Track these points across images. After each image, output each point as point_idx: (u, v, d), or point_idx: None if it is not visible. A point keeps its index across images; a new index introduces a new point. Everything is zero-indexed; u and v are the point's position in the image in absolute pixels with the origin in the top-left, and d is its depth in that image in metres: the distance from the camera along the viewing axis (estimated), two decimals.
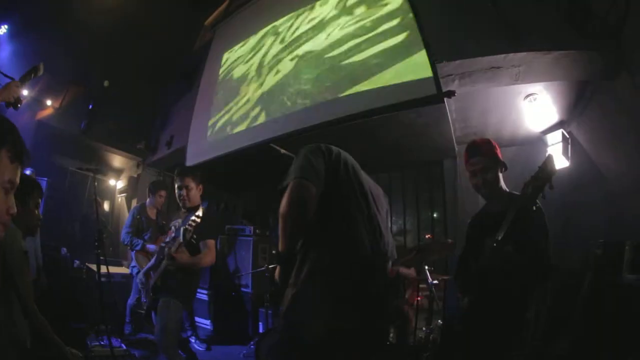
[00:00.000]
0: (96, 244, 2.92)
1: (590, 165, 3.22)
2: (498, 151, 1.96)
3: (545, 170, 1.57)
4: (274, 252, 4.50)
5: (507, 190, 1.94)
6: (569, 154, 3.34)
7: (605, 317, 2.11)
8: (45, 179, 4.93)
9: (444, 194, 4.14)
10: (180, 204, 2.62)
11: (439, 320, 3.27)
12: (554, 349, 2.36)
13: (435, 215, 4.44)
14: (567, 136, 3.37)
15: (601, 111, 3.02)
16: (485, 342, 1.76)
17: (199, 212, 2.32)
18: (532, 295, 1.89)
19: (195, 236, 2.40)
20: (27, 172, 3.90)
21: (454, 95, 2.40)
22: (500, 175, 1.94)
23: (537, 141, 3.61)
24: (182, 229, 2.30)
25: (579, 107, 3.25)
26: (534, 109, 3.31)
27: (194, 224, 2.30)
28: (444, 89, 2.42)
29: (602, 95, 2.94)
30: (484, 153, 1.93)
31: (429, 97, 2.38)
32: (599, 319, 2.15)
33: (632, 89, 2.55)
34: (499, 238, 1.64)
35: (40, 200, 1.94)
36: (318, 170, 1.35)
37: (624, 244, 2.20)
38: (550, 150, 3.43)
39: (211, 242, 2.52)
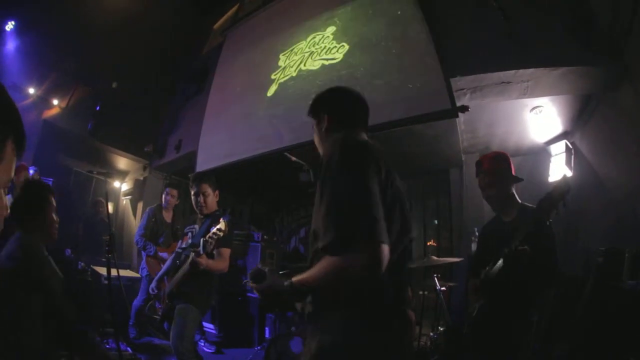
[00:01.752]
0: (107, 248, 2.91)
1: (592, 175, 3.30)
2: (510, 164, 2.01)
3: (559, 188, 1.66)
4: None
5: (520, 201, 2.00)
6: (572, 164, 3.43)
7: (606, 321, 2.19)
8: (51, 179, 4.92)
9: (450, 202, 4.21)
10: (198, 211, 2.60)
11: (440, 328, 3.33)
12: (555, 352, 2.43)
13: (441, 222, 4.51)
14: (571, 147, 3.45)
15: (604, 122, 3.11)
16: (494, 344, 1.84)
17: (221, 226, 2.27)
18: (538, 299, 1.97)
19: (216, 247, 2.39)
20: (31, 170, 3.91)
21: (468, 110, 2.47)
22: (513, 187, 2.01)
23: (542, 151, 3.70)
24: (202, 240, 2.28)
25: (582, 119, 3.34)
26: (539, 121, 3.39)
27: (215, 237, 2.27)
28: (457, 104, 2.50)
29: (605, 106, 3.03)
30: (486, 170, 2.00)
31: (443, 112, 2.45)
32: (600, 323, 2.23)
33: (635, 101, 2.65)
34: (513, 247, 1.73)
35: (54, 203, 1.89)
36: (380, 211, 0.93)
37: (624, 251, 2.29)
38: (554, 160, 3.52)
39: (226, 251, 2.50)
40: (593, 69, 2.75)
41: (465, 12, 2.95)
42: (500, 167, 2.00)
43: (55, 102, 5.36)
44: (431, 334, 3.30)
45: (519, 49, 2.66)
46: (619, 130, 2.94)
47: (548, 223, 1.76)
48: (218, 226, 2.27)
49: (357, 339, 0.96)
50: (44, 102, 5.31)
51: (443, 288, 3.16)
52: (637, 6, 2.38)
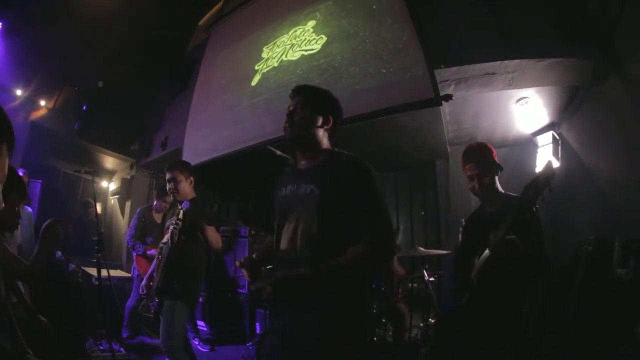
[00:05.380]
0: (96, 247, 2.89)
1: (579, 165, 3.31)
2: (494, 155, 2.04)
3: (545, 174, 1.65)
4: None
5: (503, 191, 2.02)
6: (559, 155, 3.44)
7: (597, 309, 2.20)
8: (40, 181, 4.88)
9: (437, 194, 4.21)
10: (172, 197, 2.64)
11: (430, 319, 3.34)
12: (547, 342, 2.44)
13: (428, 214, 4.50)
14: (557, 137, 3.46)
15: (591, 114, 3.11)
16: (484, 337, 1.84)
17: (180, 215, 2.33)
18: (528, 290, 1.97)
19: (184, 236, 2.40)
20: (20, 173, 3.87)
21: (452, 99, 2.46)
22: (497, 177, 2.02)
23: (528, 142, 3.70)
24: (170, 232, 2.36)
25: (569, 110, 3.34)
26: (525, 112, 3.39)
27: (177, 226, 2.33)
28: (441, 94, 2.49)
29: (592, 98, 3.03)
30: (478, 158, 2.01)
31: (426, 101, 2.44)
32: (591, 312, 2.24)
33: (622, 93, 2.65)
34: (500, 236, 1.72)
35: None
36: None
37: (614, 240, 2.29)
38: (540, 151, 3.53)
39: (209, 228, 2.48)
40: (579, 61, 2.74)
41: (448, 2, 2.93)
42: (490, 156, 2.02)
43: (42, 103, 5.30)
44: (421, 324, 3.31)
45: (503, 40, 2.65)
46: (606, 122, 2.94)
47: (535, 209, 1.76)
48: (178, 216, 2.33)
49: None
50: (31, 104, 5.26)
51: (432, 279, 3.18)
52: None
